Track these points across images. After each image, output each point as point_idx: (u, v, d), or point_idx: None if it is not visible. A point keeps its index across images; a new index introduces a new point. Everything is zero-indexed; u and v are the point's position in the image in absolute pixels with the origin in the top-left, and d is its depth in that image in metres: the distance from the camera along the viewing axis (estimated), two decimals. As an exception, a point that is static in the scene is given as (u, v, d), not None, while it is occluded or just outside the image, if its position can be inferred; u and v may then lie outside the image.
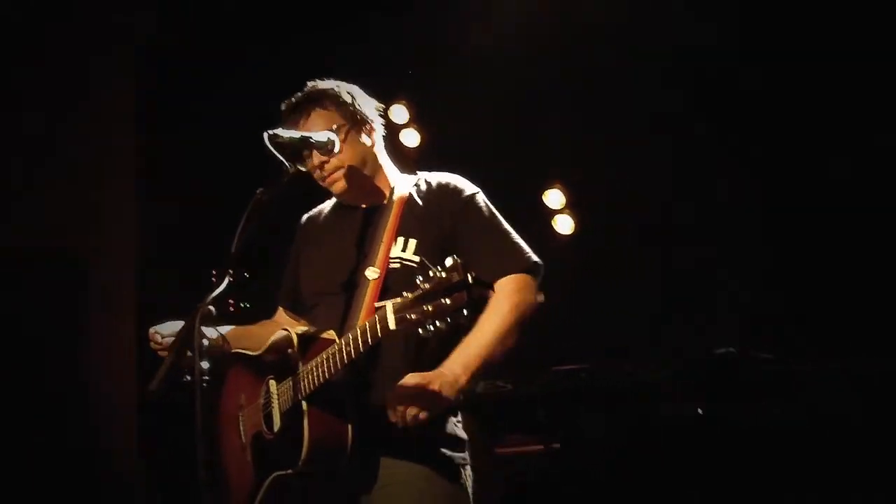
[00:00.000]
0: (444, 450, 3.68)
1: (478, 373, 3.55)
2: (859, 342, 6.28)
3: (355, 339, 3.33)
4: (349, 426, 3.50)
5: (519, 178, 7.64)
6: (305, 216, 4.17)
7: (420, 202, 3.85)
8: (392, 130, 7.91)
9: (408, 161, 7.80)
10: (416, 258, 3.70)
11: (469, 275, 3.03)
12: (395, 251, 3.74)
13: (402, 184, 3.93)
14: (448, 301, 3.02)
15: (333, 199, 4.08)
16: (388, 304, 3.15)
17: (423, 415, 3.40)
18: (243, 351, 3.96)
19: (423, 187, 3.90)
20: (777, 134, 6.89)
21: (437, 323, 3.04)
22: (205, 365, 3.16)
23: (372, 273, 3.68)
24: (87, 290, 6.80)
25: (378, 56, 7.30)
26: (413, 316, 3.08)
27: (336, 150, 3.72)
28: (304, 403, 3.51)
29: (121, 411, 6.76)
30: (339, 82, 3.93)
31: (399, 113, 7.97)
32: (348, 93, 3.89)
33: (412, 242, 3.75)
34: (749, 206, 7.11)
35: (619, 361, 6.66)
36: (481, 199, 3.84)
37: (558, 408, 6.50)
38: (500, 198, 7.30)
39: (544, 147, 7.66)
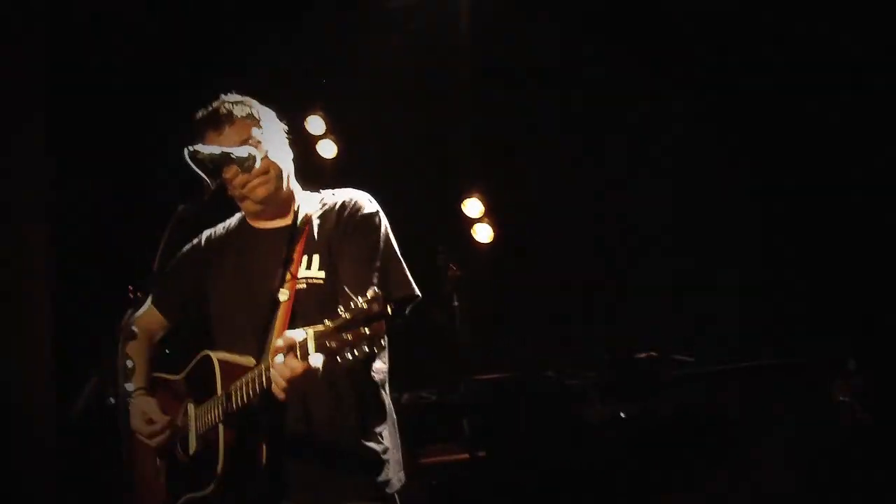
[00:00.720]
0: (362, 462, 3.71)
1: None
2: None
3: (274, 365, 3.32)
4: (262, 445, 3.54)
5: (438, 188, 7.65)
6: (204, 235, 4.08)
7: (323, 219, 3.85)
8: (308, 141, 7.91)
9: (325, 172, 7.88)
10: (321, 273, 3.73)
11: (389, 306, 3.10)
12: (302, 271, 3.74)
13: (307, 202, 3.92)
14: (368, 331, 3.08)
15: (235, 218, 4.05)
16: (310, 332, 3.16)
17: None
18: (162, 375, 3.97)
19: (328, 203, 3.89)
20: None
21: (356, 351, 3.09)
22: (129, 387, 3.12)
23: (283, 295, 3.69)
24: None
25: (293, 67, 7.26)
26: (333, 344, 3.11)
27: (256, 165, 3.68)
28: (220, 426, 3.55)
29: (38, 431, 6.62)
30: (247, 97, 3.89)
31: (315, 124, 7.93)
32: (257, 109, 3.87)
33: (315, 258, 3.76)
34: (664, 203, 7.18)
35: (541, 368, 6.69)
36: (377, 217, 3.82)
37: (482, 416, 6.51)
38: (419, 207, 7.38)
39: (463, 156, 7.68)
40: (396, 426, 3.88)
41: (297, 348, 3.21)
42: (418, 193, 7.54)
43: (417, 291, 3.72)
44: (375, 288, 3.14)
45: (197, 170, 3.44)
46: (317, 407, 3.65)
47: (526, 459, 6.41)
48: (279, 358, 3.27)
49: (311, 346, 3.15)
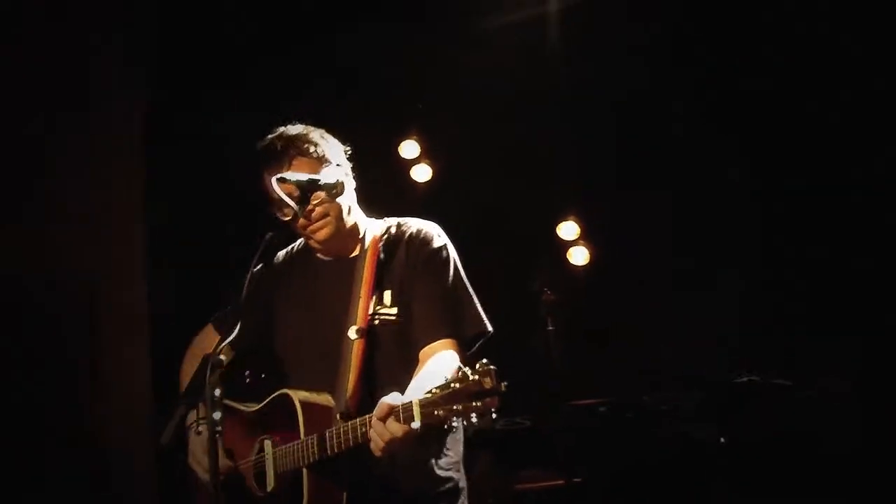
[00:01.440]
0: None
1: None
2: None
3: (374, 426, 3.28)
4: (344, 494, 3.52)
5: (533, 211, 7.61)
6: (278, 256, 4.04)
7: (391, 251, 3.80)
8: (403, 166, 7.93)
9: (420, 194, 7.89)
10: (394, 310, 3.69)
11: (503, 384, 3.01)
12: (373, 307, 3.70)
13: (373, 231, 3.87)
14: (479, 404, 3.00)
15: (298, 243, 4.02)
16: (415, 401, 3.10)
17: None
18: (235, 405, 3.90)
19: (394, 234, 3.84)
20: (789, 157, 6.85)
21: (464, 421, 3.02)
22: (217, 415, 3.10)
23: (354, 333, 3.65)
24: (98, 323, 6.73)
25: (389, 91, 7.29)
26: (440, 413, 3.05)
27: (345, 192, 3.67)
28: (304, 471, 3.51)
29: (138, 460, 6.70)
30: (308, 127, 3.82)
31: (409, 148, 7.95)
32: (322, 137, 3.81)
33: (387, 294, 3.72)
34: (757, 227, 7.07)
35: (638, 393, 6.61)
36: (446, 252, 3.78)
37: (578, 442, 6.45)
38: (515, 230, 7.35)
39: (558, 179, 7.64)
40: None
41: (399, 412, 3.17)
42: (513, 217, 7.51)
43: (489, 327, 3.70)
44: (486, 361, 3.04)
45: (284, 197, 3.45)
46: (397, 462, 3.53)
47: (621, 485, 6.34)
48: (378, 422, 3.23)
49: (416, 413, 3.09)
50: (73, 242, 6.64)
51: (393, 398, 3.20)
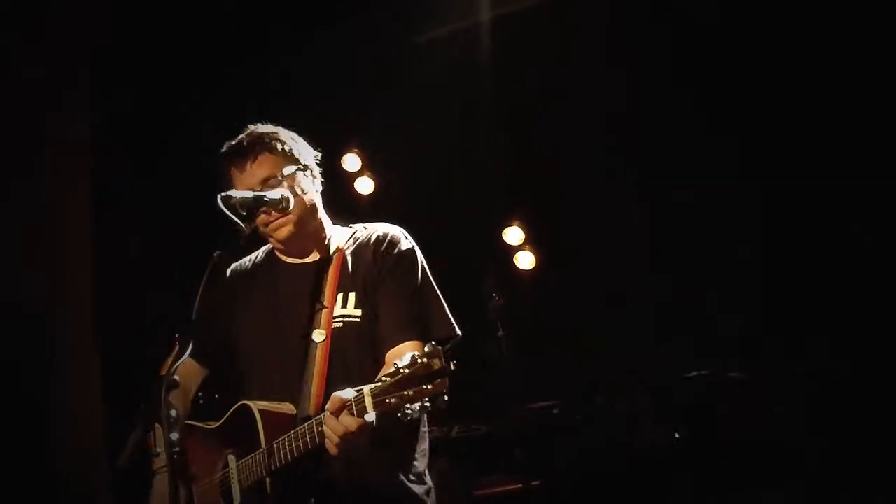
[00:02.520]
0: None
1: None
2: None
3: (327, 422, 3.23)
4: (311, 500, 3.47)
5: (478, 218, 7.64)
6: (231, 267, 3.98)
7: (357, 255, 3.76)
8: (346, 179, 7.94)
9: (363, 207, 7.89)
10: (358, 312, 3.65)
11: (451, 363, 3.00)
12: (337, 309, 3.66)
13: (338, 236, 3.84)
14: (429, 387, 2.97)
15: (263, 251, 3.97)
16: (366, 389, 3.07)
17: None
18: (195, 423, 3.85)
19: (360, 238, 3.80)
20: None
21: (416, 407, 2.99)
22: (174, 436, 3.09)
23: (318, 335, 3.62)
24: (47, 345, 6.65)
25: (327, 105, 7.29)
26: (392, 401, 3.02)
27: (291, 206, 3.64)
28: (267, 480, 3.46)
29: (92, 483, 6.64)
30: (279, 127, 3.83)
31: (352, 161, 7.96)
32: (291, 138, 3.81)
33: (351, 296, 3.68)
34: (709, 228, 7.12)
35: (590, 394, 6.64)
36: (413, 255, 3.75)
37: (535, 446, 6.47)
38: (461, 238, 7.36)
39: (501, 184, 7.67)
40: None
41: (352, 406, 3.13)
42: (459, 224, 7.53)
43: (458, 331, 3.66)
44: (434, 343, 3.04)
45: (230, 215, 3.43)
46: (362, 454, 3.43)
47: (580, 487, 6.36)
48: (328, 416, 3.19)
49: (368, 403, 3.06)
50: (22, 265, 6.58)
51: (345, 392, 3.17)
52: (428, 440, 3.78)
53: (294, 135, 3.84)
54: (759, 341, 6.67)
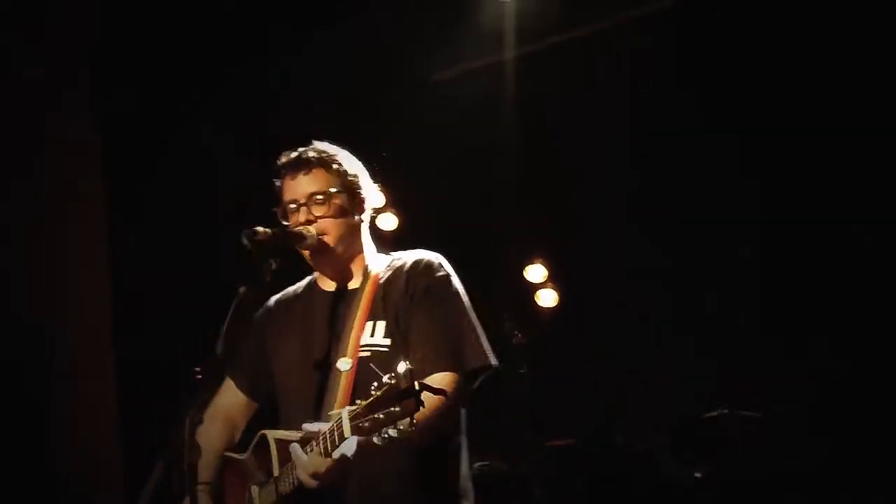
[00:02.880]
0: None
1: None
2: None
3: (318, 446, 3.19)
4: None
5: (500, 255, 7.65)
6: (274, 298, 3.98)
7: (390, 283, 3.70)
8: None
9: (385, 244, 7.90)
10: (387, 341, 3.59)
11: (416, 382, 2.90)
12: (365, 338, 3.61)
13: (377, 264, 3.80)
14: (397, 409, 2.90)
15: (306, 280, 3.96)
16: (344, 412, 3.01)
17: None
18: (231, 455, 3.86)
19: (396, 266, 3.75)
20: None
21: (390, 431, 2.92)
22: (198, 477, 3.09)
23: (344, 364, 3.56)
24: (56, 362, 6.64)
25: (351, 141, 7.32)
26: (366, 424, 2.95)
27: (314, 242, 3.65)
28: None
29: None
30: (339, 150, 3.86)
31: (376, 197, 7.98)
32: (349, 161, 3.84)
33: (381, 325, 3.62)
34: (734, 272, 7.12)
35: (610, 432, 6.63)
36: (448, 282, 3.69)
37: (554, 484, 6.45)
38: (482, 275, 7.36)
39: (524, 223, 7.68)
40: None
41: (320, 440, 3.10)
42: (480, 261, 7.52)
43: (494, 361, 3.58)
44: (407, 363, 2.94)
45: (255, 251, 3.43)
46: (379, 489, 3.49)
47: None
48: (300, 453, 3.18)
49: (346, 427, 3.00)
50: (32, 279, 6.59)
51: (314, 425, 3.15)
52: (465, 482, 3.67)
53: (355, 161, 3.88)
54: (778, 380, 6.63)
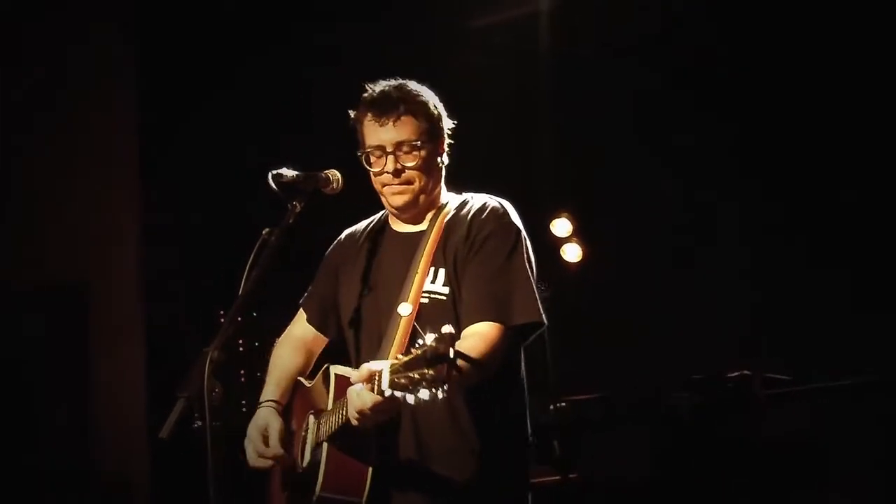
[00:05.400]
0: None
1: None
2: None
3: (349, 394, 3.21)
4: (368, 469, 3.39)
5: (524, 208, 7.60)
6: (346, 232, 3.98)
7: (452, 229, 3.65)
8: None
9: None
10: (445, 290, 3.55)
11: (452, 349, 2.83)
12: (427, 284, 3.56)
13: (446, 207, 3.74)
14: (431, 372, 2.85)
15: (379, 216, 3.91)
16: (385, 365, 2.96)
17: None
18: (301, 380, 3.90)
19: (461, 210, 3.70)
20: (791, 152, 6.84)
21: (421, 392, 2.86)
22: (216, 411, 3.09)
23: (404, 309, 3.51)
24: (91, 326, 6.72)
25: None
26: (402, 381, 2.90)
27: (339, 187, 3.62)
28: (325, 444, 3.44)
29: (132, 448, 6.68)
30: (426, 89, 3.73)
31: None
32: (435, 105, 3.72)
33: (441, 272, 3.57)
34: (759, 227, 7.05)
35: (633, 388, 6.62)
36: (509, 231, 3.60)
37: (574, 438, 6.45)
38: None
39: (549, 175, 7.63)
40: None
41: (375, 379, 3.04)
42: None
43: (543, 318, 3.51)
44: (450, 326, 2.87)
45: (280, 193, 3.46)
46: (432, 437, 3.48)
47: (617, 481, 6.33)
48: (358, 387, 3.13)
49: (385, 381, 2.95)
50: (64, 242, 6.64)
51: (375, 364, 3.08)
52: (515, 417, 3.67)
53: (437, 99, 3.74)
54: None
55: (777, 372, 6.20)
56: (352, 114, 3.70)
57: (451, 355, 2.82)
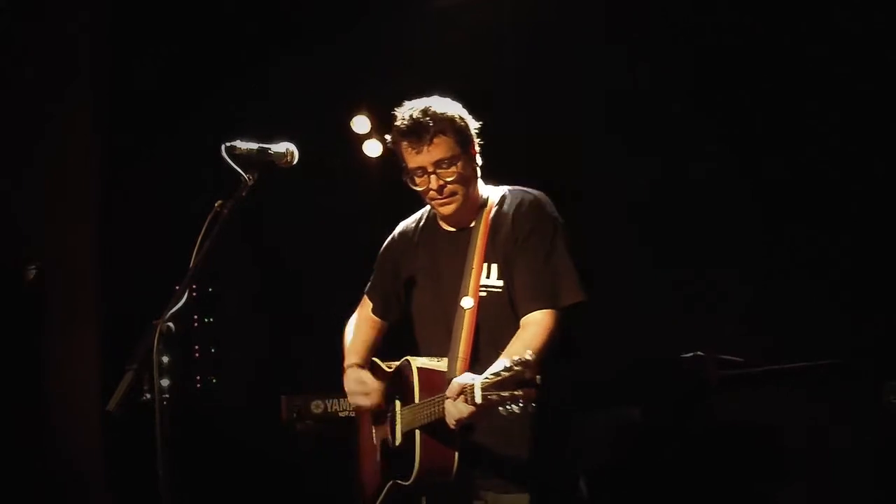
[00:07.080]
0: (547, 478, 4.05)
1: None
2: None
3: (446, 405, 3.73)
4: (455, 454, 3.93)
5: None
6: (398, 230, 4.47)
7: (499, 224, 4.12)
8: (355, 142, 7.90)
9: (372, 169, 7.85)
10: (500, 283, 4.05)
11: (538, 377, 3.39)
12: (483, 279, 4.06)
13: (488, 203, 4.19)
14: (520, 393, 3.38)
15: (425, 213, 4.39)
16: (477, 382, 3.54)
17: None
18: (378, 362, 4.48)
19: (503, 207, 4.15)
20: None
21: (513, 407, 3.40)
22: (164, 383, 3.14)
23: (467, 303, 4.03)
24: (46, 305, 6.68)
25: (339, 65, 7.26)
26: (493, 397, 3.45)
27: (294, 161, 3.77)
28: (418, 432, 3.96)
29: (84, 429, 6.66)
30: (451, 104, 4.13)
31: (361, 123, 7.92)
32: (461, 118, 4.12)
33: (494, 267, 4.07)
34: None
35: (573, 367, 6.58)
36: (550, 223, 4.09)
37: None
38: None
39: (514, 153, 7.61)
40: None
41: (467, 392, 3.58)
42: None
43: (584, 296, 4.02)
44: (531, 351, 3.45)
45: (233, 165, 3.55)
46: (512, 431, 3.93)
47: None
48: (450, 406, 3.68)
49: (477, 396, 3.52)
50: (22, 227, 6.60)
51: (464, 377, 3.68)
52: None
53: (462, 110, 4.16)
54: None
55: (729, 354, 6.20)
56: (388, 138, 4.16)
57: (538, 381, 3.40)
